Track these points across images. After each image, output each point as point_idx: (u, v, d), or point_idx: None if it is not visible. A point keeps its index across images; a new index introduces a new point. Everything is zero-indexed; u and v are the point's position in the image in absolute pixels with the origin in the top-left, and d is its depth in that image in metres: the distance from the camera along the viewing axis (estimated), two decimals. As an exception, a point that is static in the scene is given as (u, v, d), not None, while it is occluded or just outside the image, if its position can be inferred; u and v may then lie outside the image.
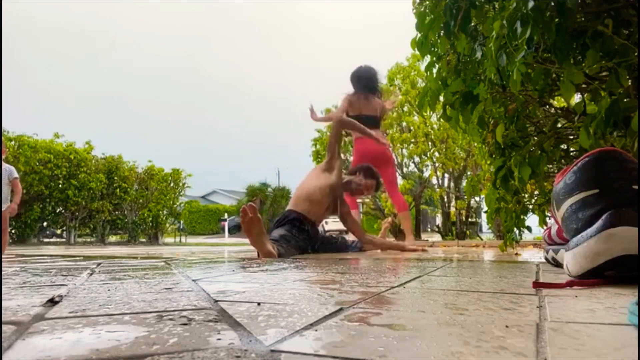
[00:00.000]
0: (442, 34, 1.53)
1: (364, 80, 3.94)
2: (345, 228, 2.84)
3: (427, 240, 6.01)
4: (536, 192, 2.05)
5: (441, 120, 1.74)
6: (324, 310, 0.59)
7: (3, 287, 0.86)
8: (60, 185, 6.75)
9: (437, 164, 6.20)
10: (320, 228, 2.80)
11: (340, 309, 0.60)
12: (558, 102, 2.15)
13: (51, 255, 2.32)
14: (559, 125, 1.70)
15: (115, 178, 7.41)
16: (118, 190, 7.40)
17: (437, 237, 6.73)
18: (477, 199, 6.08)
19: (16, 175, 3.84)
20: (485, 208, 2.04)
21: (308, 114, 4.34)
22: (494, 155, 1.74)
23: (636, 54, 1.18)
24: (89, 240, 7.37)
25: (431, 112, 1.76)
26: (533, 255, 2.21)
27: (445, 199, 6.45)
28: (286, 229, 2.44)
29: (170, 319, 0.53)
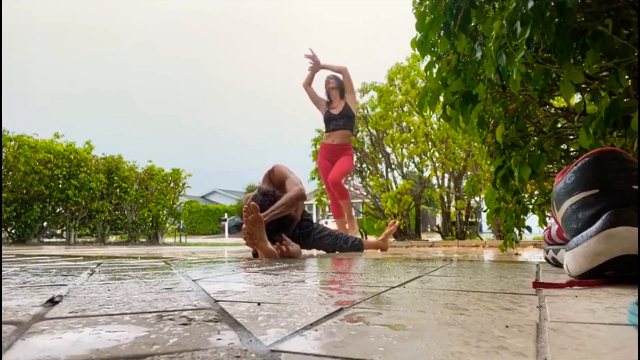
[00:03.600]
0: (442, 34, 1.53)
1: None
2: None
3: (427, 240, 6.01)
4: (536, 192, 2.05)
5: (441, 120, 1.74)
6: (324, 310, 0.59)
7: (3, 287, 0.86)
8: (60, 185, 6.74)
9: (437, 164, 6.19)
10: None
11: (340, 309, 0.60)
12: (558, 102, 2.15)
13: (51, 255, 2.32)
14: (559, 125, 1.70)
15: (115, 178, 7.40)
16: (118, 190, 7.39)
17: (437, 237, 6.73)
18: (477, 199, 6.08)
19: None
20: (485, 208, 2.04)
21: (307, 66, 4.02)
22: (494, 155, 1.74)
23: (636, 54, 1.18)
24: (89, 240, 7.36)
25: (431, 112, 1.76)
26: (533, 255, 2.21)
27: (445, 199, 6.45)
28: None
29: (170, 319, 0.53)
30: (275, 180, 2.44)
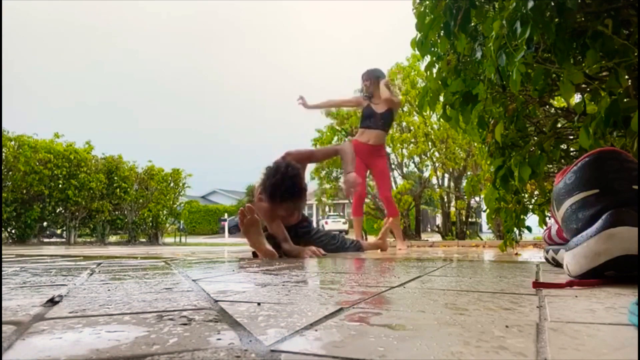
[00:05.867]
0: (442, 34, 1.53)
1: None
2: (345, 228, 2.81)
3: (427, 240, 6.01)
4: (536, 192, 2.05)
5: (441, 120, 1.75)
6: (324, 310, 0.58)
7: (3, 287, 0.86)
8: (60, 185, 6.74)
9: (437, 164, 6.20)
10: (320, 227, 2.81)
11: (340, 309, 0.60)
12: (558, 102, 2.15)
13: (51, 255, 2.32)
14: (559, 125, 1.70)
15: (115, 178, 7.40)
16: (118, 190, 7.39)
17: (437, 237, 6.74)
18: (477, 199, 6.08)
19: None
20: (485, 208, 2.04)
21: (300, 103, 4.07)
22: (494, 155, 1.75)
23: (636, 54, 1.18)
24: (89, 240, 7.36)
25: (431, 112, 1.76)
26: (533, 255, 2.21)
27: (445, 199, 6.46)
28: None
29: (170, 319, 0.53)
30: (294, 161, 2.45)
